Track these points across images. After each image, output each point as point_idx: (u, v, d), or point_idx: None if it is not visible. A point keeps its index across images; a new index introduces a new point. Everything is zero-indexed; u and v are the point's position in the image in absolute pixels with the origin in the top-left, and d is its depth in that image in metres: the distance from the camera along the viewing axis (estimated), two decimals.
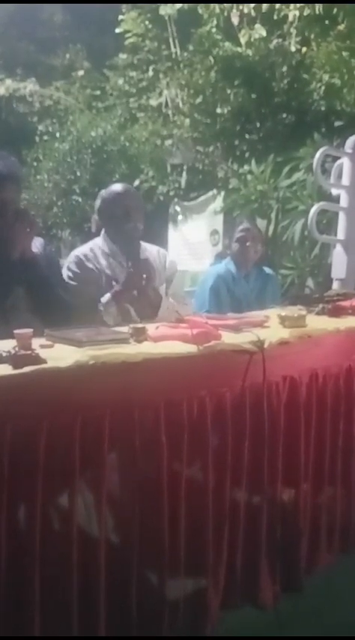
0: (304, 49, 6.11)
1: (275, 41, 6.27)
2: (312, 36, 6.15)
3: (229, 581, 1.68)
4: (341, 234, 3.44)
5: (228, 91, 6.21)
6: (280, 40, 6.31)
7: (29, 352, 1.38)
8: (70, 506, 1.36)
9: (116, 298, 2.20)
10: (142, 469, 1.48)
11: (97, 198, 2.43)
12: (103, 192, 2.41)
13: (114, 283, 2.26)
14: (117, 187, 2.40)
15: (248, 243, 2.98)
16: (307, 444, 1.84)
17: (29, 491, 1.31)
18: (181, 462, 1.54)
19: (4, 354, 1.36)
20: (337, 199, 3.52)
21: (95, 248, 2.35)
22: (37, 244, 2.05)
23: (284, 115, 6.00)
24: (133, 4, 7.44)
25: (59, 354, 1.44)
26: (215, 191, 6.41)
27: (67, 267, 2.30)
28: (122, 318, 2.18)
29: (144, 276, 2.21)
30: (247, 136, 6.20)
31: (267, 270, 3.22)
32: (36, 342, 1.48)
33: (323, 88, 5.74)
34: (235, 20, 6.38)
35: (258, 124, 6.17)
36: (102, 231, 2.39)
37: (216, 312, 2.69)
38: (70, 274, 2.27)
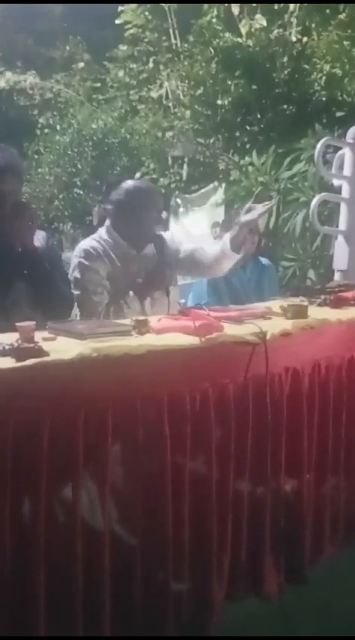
0: (305, 39, 6.07)
1: (275, 31, 6.22)
2: (313, 25, 6.11)
3: (233, 572, 1.69)
4: (342, 225, 3.42)
5: (229, 82, 6.17)
6: (281, 30, 6.26)
7: (32, 345, 1.38)
8: (74, 498, 1.37)
9: (139, 294, 2.21)
10: (145, 461, 1.48)
11: (116, 190, 2.34)
12: (124, 184, 2.34)
13: (126, 272, 2.25)
14: (137, 181, 2.45)
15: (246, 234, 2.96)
16: (310, 435, 1.85)
17: (33, 484, 1.31)
18: (184, 454, 1.54)
19: (7, 347, 1.36)
20: (338, 190, 3.49)
21: (101, 240, 2.31)
22: (39, 237, 2.04)
23: (285, 106, 5.97)
24: None
25: (62, 347, 1.43)
26: (216, 183, 6.38)
27: (78, 261, 2.24)
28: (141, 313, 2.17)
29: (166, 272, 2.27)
30: (248, 128, 6.16)
31: (264, 260, 3.21)
32: (38, 335, 1.48)
33: (324, 78, 5.70)
34: (236, 10, 6.34)
35: (259, 115, 6.14)
36: (106, 224, 2.35)
37: (214, 303, 2.71)
38: (82, 267, 2.22)
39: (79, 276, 2.20)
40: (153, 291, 2.26)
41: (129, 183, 2.36)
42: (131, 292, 2.22)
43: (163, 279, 2.26)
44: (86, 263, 2.22)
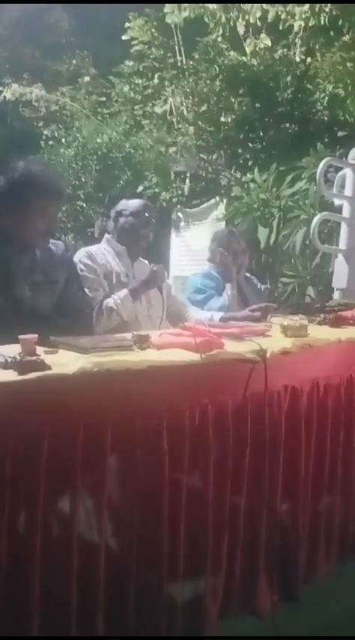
0: (309, 60, 6.15)
1: (280, 51, 6.31)
2: (317, 46, 6.19)
3: (227, 589, 1.69)
4: (342, 244, 3.45)
5: (233, 100, 6.24)
6: (285, 50, 6.34)
7: (34, 358, 1.39)
8: (72, 512, 1.37)
9: (133, 293, 2.40)
10: (143, 476, 1.49)
11: (119, 204, 2.64)
12: (125, 201, 2.64)
13: (124, 280, 2.46)
14: (140, 200, 2.70)
15: (230, 258, 3.00)
16: (307, 453, 1.85)
17: (31, 497, 1.32)
18: (182, 470, 1.55)
19: (10, 360, 1.37)
20: (339, 209, 3.54)
21: (101, 249, 2.55)
22: (58, 250, 2.08)
23: (288, 125, 6.02)
24: (140, 12, 7.49)
25: (63, 361, 1.45)
26: (217, 198, 6.43)
27: (79, 260, 2.42)
28: (135, 315, 2.39)
29: (163, 275, 2.51)
30: (250, 145, 6.22)
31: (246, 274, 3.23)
32: (40, 348, 1.50)
33: (326, 98, 5.76)
34: (241, 30, 6.42)
35: (262, 133, 6.19)
36: (105, 236, 2.61)
37: (207, 294, 2.89)
38: (82, 267, 2.40)
39: (79, 272, 2.34)
40: (147, 290, 2.46)
41: (131, 200, 2.65)
42: (126, 290, 2.40)
43: (153, 279, 2.45)
44: (86, 261, 2.43)
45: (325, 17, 5.86)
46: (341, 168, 3.51)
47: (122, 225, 2.55)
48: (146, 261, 2.63)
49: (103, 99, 8.29)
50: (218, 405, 1.63)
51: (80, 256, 2.46)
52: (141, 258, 2.62)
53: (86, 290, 2.26)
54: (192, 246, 6.62)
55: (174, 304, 2.64)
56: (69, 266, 2.13)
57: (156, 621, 1.53)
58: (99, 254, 2.50)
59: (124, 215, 2.56)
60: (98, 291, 2.37)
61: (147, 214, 2.57)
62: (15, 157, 2.01)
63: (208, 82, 6.32)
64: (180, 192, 6.74)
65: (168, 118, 6.95)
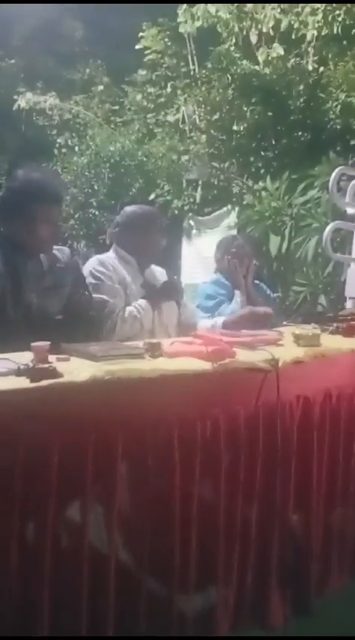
0: (321, 69, 6.15)
1: (292, 60, 6.31)
2: (330, 55, 6.18)
3: (239, 601, 1.67)
4: None
5: (245, 109, 6.24)
6: (298, 59, 6.34)
7: (46, 365, 1.39)
8: (82, 522, 1.36)
9: (152, 303, 2.38)
10: (154, 486, 1.48)
11: (122, 213, 2.62)
12: (128, 208, 2.62)
13: (133, 289, 2.44)
14: (143, 206, 2.68)
15: (236, 263, 3.01)
16: (320, 464, 1.83)
17: (41, 506, 1.31)
18: (193, 480, 1.54)
19: (22, 367, 1.37)
20: (351, 218, 3.52)
21: (110, 257, 2.53)
22: (64, 256, 2.11)
23: (300, 133, 6.02)
24: (153, 22, 7.54)
25: (75, 368, 1.44)
26: (229, 206, 6.42)
27: (93, 268, 2.41)
28: (154, 324, 2.38)
29: (182, 288, 2.51)
30: (263, 153, 6.21)
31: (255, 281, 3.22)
32: (51, 356, 1.50)
33: (339, 106, 5.75)
34: (253, 39, 6.44)
35: (274, 142, 6.19)
36: (113, 246, 2.58)
37: (218, 300, 2.89)
38: (98, 274, 2.39)
39: (93, 280, 2.35)
40: (165, 301, 2.44)
41: (136, 207, 2.64)
42: (144, 300, 2.38)
43: (174, 291, 2.45)
44: (100, 269, 2.42)
45: (338, 26, 5.86)
46: (354, 177, 3.50)
47: (125, 234, 2.54)
48: (160, 268, 2.60)
49: (116, 107, 8.35)
50: (229, 414, 1.62)
51: (93, 264, 2.45)
52: (155, 266, 2.60)
53: (104, 297, 2.27)
54: (203, 254, 6.61)
55: (184, 313, 2.63)
56: (75, 270, 2.16)
57: (167, 632, 1.52)
58: (110, 262, 2.50)
59: (126, 224, 2.56)
60: (116, 297, 2.35)
61: (150, 221, 2.55)
62: (16, 165, 2.09)
63: (221, 90, 6.33)
64: (192, 200, 6.75)
65: (181, 126, 6.98)
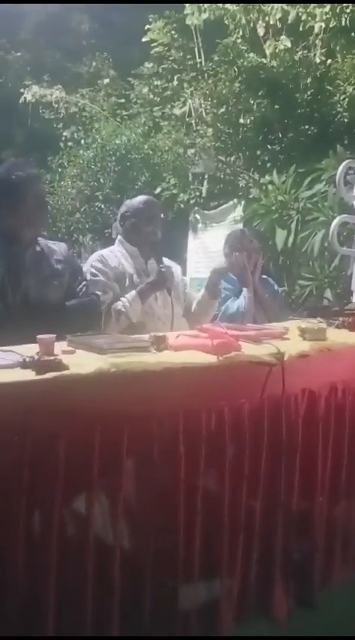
0: (329, 61, 6.10)
1: (300, 53, 6.27)
2: (337, 48, 6.13)
3: (243, 592, 1.68)
4: None
5: (252, 102, 6.21)
6: (305, 51, 6.30)
7: (52, 358, 1.40)
8: (88, 515, 1.37)
9: (142, 295, 2.41)
10: (159, 479, 1.49)
11: (123, 205, 2.67)
12: (129, 201, 2.67)
13: (137, 280, 2.47)
14: (142, 197, 2.69)
15: (243, 257, 3.00)
16: (324, 457, 1.84)
17: (47, 498, 1.32)
18: (198, 473, 1.54)
19: (28, 359, 1.38)
20: None
21: (114, 251, 2.57)
22: (60, 249, 2.17)
23: (307, 127, 5.98)
24: (160, 14, 7.51)
25: (81, 361, 1.45)
26: (235, 200, 6.40)
27: (91, 265, 2.47)
28: (144, 317, 2.40)
29: (172, 275, 2.49)
30: (269, 147, 6.18)
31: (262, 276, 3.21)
32: (58, 348, 1.50)
33: (346, 100, 5.71)
34: (261, 31, 6.39)
35: (281, 135, 6.16)
36: (118, 238, 2.63)
37: (224, 294, 2.90)
38: (94, 271, 2.44)
39: (91, 277, 2.40)
40: (155, 292, 2.46)
41: (133, 198, 2.69)
42: (134, 292, 2.41)
43: (163, 281, 2.45)
44: (98, 265, 2.47)
45: (346, 18, 5.80)
46: None
47: (127, 226, 2.58)
48: (165, 260, 2.61)
49: (122, 100, 8.32)
50: (234, 407, 1.62)
51: (93, 260, 2.50)
52: (168, 260, 2.63)
53: (98, 292, 2.30)
54: (209, 248, 6.60)
55: (188, 299, 2.64)
56: (72, 261, 2.24)
57: (171, 624, 1.53)
58: (113, 256, 2.53)
59: (127, 216, 2.60)
60: (107, 294, 2.40)
61: (149, 211, 2.58)
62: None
63: (227, 83, 6.30)
64: (198, 193, 6.73)
65: (187, 119, 6.95)
